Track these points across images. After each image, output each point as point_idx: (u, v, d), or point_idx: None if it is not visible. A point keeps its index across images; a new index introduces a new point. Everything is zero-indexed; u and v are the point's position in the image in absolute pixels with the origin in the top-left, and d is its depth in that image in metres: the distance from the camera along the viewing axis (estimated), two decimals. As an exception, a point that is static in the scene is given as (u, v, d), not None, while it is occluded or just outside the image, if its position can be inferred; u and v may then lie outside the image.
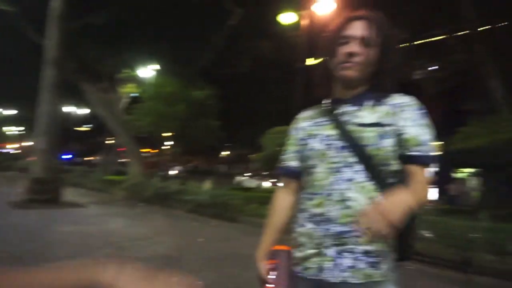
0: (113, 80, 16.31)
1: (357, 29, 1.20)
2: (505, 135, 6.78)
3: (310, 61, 12.18)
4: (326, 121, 1.27)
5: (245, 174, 22.59)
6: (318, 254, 1.17)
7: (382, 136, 1.16)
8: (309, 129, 1.31)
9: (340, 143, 1.19)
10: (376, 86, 1.24)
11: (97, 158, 32.77)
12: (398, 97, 1.23)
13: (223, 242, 6.38)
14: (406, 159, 1.17)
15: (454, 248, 5.20)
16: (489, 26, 10.00)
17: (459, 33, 13.91)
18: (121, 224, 7.45)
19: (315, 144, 1.25)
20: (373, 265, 1.12)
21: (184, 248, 5.74)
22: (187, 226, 8.04)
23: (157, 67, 17.06)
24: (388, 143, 1.16)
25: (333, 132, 1.22)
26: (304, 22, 11.97)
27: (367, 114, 1.21)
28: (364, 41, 1.18)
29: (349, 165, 1.16)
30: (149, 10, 11.78)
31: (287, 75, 20.61)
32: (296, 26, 13.68)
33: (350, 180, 1.15)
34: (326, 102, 1.33)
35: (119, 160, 26.18)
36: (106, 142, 25.38)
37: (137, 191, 11.90)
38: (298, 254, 1.24)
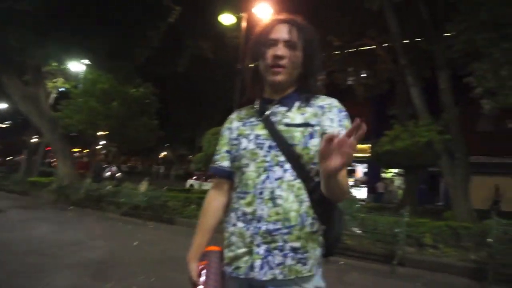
0: (40, 73, 15.03)
1: (282, 32, 1.26)
2: (424, 138, 7.52)
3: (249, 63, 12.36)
4: (257, 121, 1.30)
5: (194, 177, 22.11)
6: (249, 253, 1.18)
7: (309, 136, 1.21)
8: (241, 129, 1.33)
9: (269, 143, 1.23)
10: (302, 88, 1.30)
11: (20, 158, 29.96)
12: (323, 99, 1.30)
13: (160, 245, 6.24)
14: None
15: (380, 242, 5.66)
16: (408, 40, 11.02)
17: (386, 45, 15.18)
18: (49, 230, 6.92)
19: (246, 144, 1.27)
20: (301, 261, 1.16)
21: (119, 252, 5.51)
22: (122, 229, 7.72)
23: (89, 61, 16.12)
24: (315, 143, 1.20)
25: (263, 132, 1.26)
26: (244, 24, 12.13)
27: (295, 114, 1.26)
28: (288, 44, 1.24)
29: (278, 164, 1.20)
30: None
31: (228, 75, 20.75)
32: (236, 27, 13.83)
33: (279, 178, 1.18)
34: (256, 102, 1.37)
35: (46, 160, 24.22)
36: (31, 140, 23.33)
37: (67, 194, 11.14)
38: (229, 253, 1.25)
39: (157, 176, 32.52)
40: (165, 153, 41.62)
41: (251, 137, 1.28)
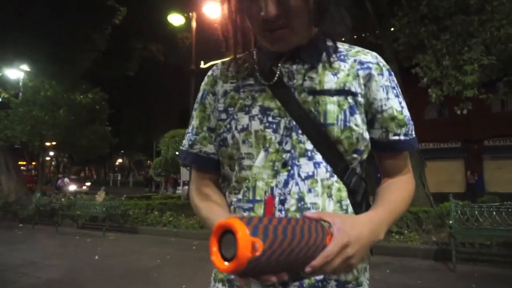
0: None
1: None
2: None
3: (202, 64, 12.17)
4: (260, 85, 0.82)
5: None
6: None
7: (351, 110, 0.78)
8: (233, 96, 0.84)
9: (286, 122, 0.78)
10: (324, 31, 0.81)
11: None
12: (362, 51, 0.84)
13: (123, 257, 5.93)
14: (387, 146, 0.83)
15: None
16: (356, 36, 11.44)
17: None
18: (-5, 252, 6.35)
19: (247, 122, 0.80)
20: None
21: (78, 269, 5.16)
22: (80, 244, 7.26)
23: (28, 67, 15.07)
24: (359, 121, 0.78)
25: (273, 104, 0.79)
26: (194, 24, 11.91)
27: (324, 75, 0.79)
28: None
29: (305, 155, 0.76)
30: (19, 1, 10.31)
31: (180, 77, 20.35)
32: (186, 27, 13.55)
33: (309, 177, 0.76)
34: (252, 54, 0.87)
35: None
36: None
37: (14, 211, 10.33)
38: None
39: (114, 184, 31.28)
40: (120, 160, 40.12)
41: (255, 110, 0.80)
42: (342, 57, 0.82)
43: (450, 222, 4.74)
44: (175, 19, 12.45)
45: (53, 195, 11.95)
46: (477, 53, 6.57)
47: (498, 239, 4.92)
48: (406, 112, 0.83)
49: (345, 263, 0.62)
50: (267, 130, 0.78)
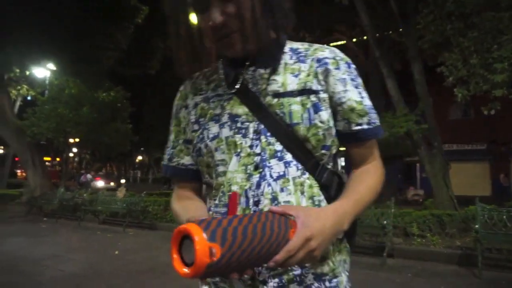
0: (2, 81, 14.30)
1: None
2: (402, 129, 7.62)
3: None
4: (227, 94, 0.85)
5: None
6: None
7: (314, 108, 0.80)
8: (203, 107, 0.87)
9: (255, 126, 0.81)
10: (277, 33, 0.85)
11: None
12: (320, 48, 0.87)
13: (143, 252, 6.01)
14: (352, 137, 0.85)
15: (368, 235, 5.67)
16: (379, 34, 11.21)
17: (355, 40, 15.41)
18: (21, 244, 6.53)
19: (218, 129, 0.83)
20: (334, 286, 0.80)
21: (99, 263, 5.25)
22: (101, 239, 7.40)
23: (54, 66, 15.49)
24: (324, 117, 0.81)
25: (241, 109, 0.82)
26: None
27: (285, 77, 0.83)
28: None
29: (275, 156, 0.79)
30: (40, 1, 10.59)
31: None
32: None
33: (281, 177, 0.78)
34: (216, 64, 0.90)
35: (16, 171, 23.26)
36: (-3, 151, 22.28)
37: (39, 205, 10.64)
38: None
39: (134, 181, 31.83)
40: (140, 157, 40.81)
41: (224, 118, 0.83)
42: (301, 58, 0.85)
43: (476, 226, 4.56)
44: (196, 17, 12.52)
45: (76, 191, 12.24)
46: (508, 51, 6.32)
47: (527, 245, 4.72)
48: (366, 102, 0.85)
49: (308, 256, 0.64)
50: (236, 135, 0.81)
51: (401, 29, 9.62)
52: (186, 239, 0.56)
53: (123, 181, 26.66)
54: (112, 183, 23.51)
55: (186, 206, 0.88)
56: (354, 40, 15.55)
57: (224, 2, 0.76)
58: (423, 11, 8.02)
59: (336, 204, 0.76)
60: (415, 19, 8.54)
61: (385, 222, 5.14)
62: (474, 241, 4.51)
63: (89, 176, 22.02)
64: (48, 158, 28.06)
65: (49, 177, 15.64)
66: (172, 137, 0.95)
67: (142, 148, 32.00)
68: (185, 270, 0.55)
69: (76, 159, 33.44)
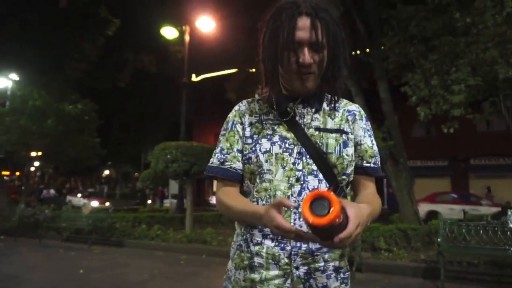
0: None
1: (305, 30, 1.00)
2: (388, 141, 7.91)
3: (194, 77, 12.20)
4: (278, 120, 1.11)
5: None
6: (284, 276, 1.02)
7: (343, 144, 1.08)
8: (257, 126, 1.12)
9: (298, 148, 1.06)
10: (327, 87, 1.13)
11: None
12: (348, 103, 1.18)
13: (109, 271, 5.79)
14: (362, 170, 1.13)
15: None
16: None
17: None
18: (-25, 265, 6.13)
19: (269, 146, 1.07)
20: (344, 281, 1.07)
21: (61, 283, 5.02)
22: (64, 257, 7.07)
23: (17, 76, 14.88)
24: (349, 152, 1.08)
25: (289, 134, 1.08)
26: (187, 37, 11.97)
27: (326, 118, 1.11)
28: (315, 46, 1.01)
29: (312, 173, 1.04)
30: (9, 6, 10.20)
31: (172, 90, 20.32)
32: (179, 40, 13.61)
33: (314, 189, 1.02)
34: (271, 97, 1.14)
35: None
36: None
37: (-5, 222, 10.04)
38: (251, 275, 1.04)
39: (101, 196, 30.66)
40: (107, 172, 39.53)
41: (275, 138, 1.07)
42: (336, 107, 1.15)
43: (439, 240, 4.76)
44: (169, 32, 12.51)
45: (37, 207, 11.66)
46: (464, 74, 6.73)
47: (485, 258, 4.96)
48: (375, 148, 1.16)
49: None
50: (284, 153, 1.06)
51: (367, 50, 10.04)
52: (318, 200, 0.76)
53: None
54: (107, 203, 19.62)
55: (238, 200, 1.08)
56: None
57: (314, 50, 1.01)
58: (388, 33, 8.43)
59: (363, 205, 0.92)
60: (380, 41, 8.96)
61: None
62: (437, 254, 4.69)
63: (52, 191, 21.06)
64: (7, 172, 26.65)
65: (8, 192, 14.85)
66: (226, 145, 1.15)
67: (109, 162, 31.04)
68: (316, 219, 0.73)
69: (37, 173, 31.93)
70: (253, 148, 1.09)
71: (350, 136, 1.11)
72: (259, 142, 1.08)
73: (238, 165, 1.12)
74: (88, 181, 39.58)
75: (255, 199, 1.07)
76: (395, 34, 8.36)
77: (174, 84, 16.91)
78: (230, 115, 1.19)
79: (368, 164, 1.13)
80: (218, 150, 1.16)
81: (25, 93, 15.31)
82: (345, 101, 1.18)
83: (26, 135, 14.82)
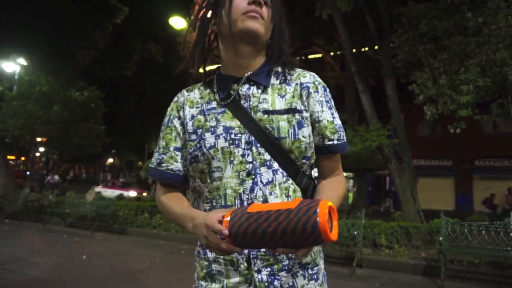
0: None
1: None
2: (375, 143, 7.87)
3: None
4: (221, 107, 0.98)
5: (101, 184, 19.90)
6: (246, 282, 0.93)
7: (298, 125, 0.95)
8: (199, 119, 0.99)
9: (246, 137, 0.93)
10: (273, 59, 1.00)
11: None
12: (301, 73, 1.02)
13: (111, 258, 5.87)
14: (324, 150, 1.01)
15: (339, 245, 5.79)
16: (355, 50, 11.59)
17: (332, 53, 15.81)
18: (-20, 247, 6.23)
19: (214, 140, 0.94)
20: (313, 277, 0.96)
21: (65, 268, 5.09)
22: (68, 242, 7.16)
23: (25, 61, 14.91)
24: (306, 133, 0.95)
25: (234, 123, 0.95)
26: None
27: (274, 97, 0.97)
28: None
29: (265, 164, 0.92)
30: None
31: (178, 80, 20.31)
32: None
33: (270, 182, 0.92)
34: (213, 80, 1.04)
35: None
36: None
37: (1, 206, 10.17)
38: (214, 285, 0.95)
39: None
40: (111, 160, 39.75)
41: (219, 130, 0.94)
42: (287, 81, 1.01)
43: (440, 238, 4.77)
44: (177, 22, 12.47)
45: (41, 192, 11.78)
46: (473, 74, 6.68)
47: (486, 258, 4.97)
48: (337, 121, 1.02)
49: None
50: (231, 146, 0.93)
51: (376, 47, 9.97)
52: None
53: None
54: (145, 194, 19.39)
55: (175, 200, 1.01)
56: (332, 53, 15.96)
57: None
58: (398, 31, 8.36)
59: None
60: (389, 38, 8.89)
61: (355, 232, 5.27)
62: (438, 253, 4.70)
63: (56, 177, 21.22)
64: (13, 157, 26.89)
65: (13, 176, 14.99)
66: (163, 143, 1.03)
67: (113, 151, 31.21)
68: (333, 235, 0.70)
69: (42, 159, 32.18)
70: (198, 145, 0.96)
71: (305, 114, 0.97)
72: (203, 137, 0.95)
73: (176, 165, 1.01)
74: (92, 169, 39.86)
75: (208, 201, 0.97)
76: (405, 32, 8.28)
77: (180, 75, 16.91)
78: (169, 108, 1.08)
79: (330, 142, 0.99)
80: (156, 148, 1.06)
81: (32, 78, 15.37)
82: (298, 71, 1.03)
83: (32, 120, 14.90)
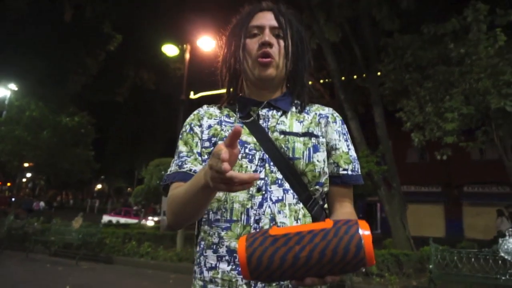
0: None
1: (267, 18, 1.02)
2: (364, 169, 7.93)
3: (192, 95, 12.32)
4: (238, 123, 1.00)
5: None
6: None
7: (313, 148, 0.95)
8: (216, 129, 1.00)
9: (260, 154, 0.93)
10: (294, 90, 1.06)
11: None
12: (321, 107, 1.07)
13: (97, 288, 5.69)
14: (338, 180, 0.99)
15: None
16: (344, 78, 11.88)
17: (322, 81, 16.18)
18: (-41, 277, 5.99)
19: None
20: None
21: (47, 299, 4.91)
22: (51, 272, 6.93)
23: (16, 86, 14.94)
24: (320, 157, 0.95)
25: (250, 139, 0.95)
26: (187, 56, 12.14)
27: (292, 121, 1.00)
28: (276, 31, 1.00)
29: (276, 183, 0.91)
30: (10, 20, 10.34)
31: (169, 107, 20.43)
32: (179, 58, 13.80)
33: (279, 201, 0.90)
34: (235, 101, 1.08)
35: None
36: None
37: (-18, 234, 9.83)
38: None
39: (91, 210, 30.30)
40: (100, 186, 39.16)
41: None
42: (306, 111, 1.04)
43: (430, 266, 4.75)
44: (169, 49, 12.68)
45: (26, 219, 11.47)
46: (457, 102, 6.87)
47: (477, 286, 4.94)
48: (352, 153, 1.02)
49: None
50: (243, 159, 0.93)
51: (364, 75, 10.24)
52: None
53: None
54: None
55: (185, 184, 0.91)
56: (321, 81, 16.32)
57: (276, 36, 1.00)
58: (385, 60, 8.63)
59: None
60: (376, 67, 9.16)
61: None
62: (429, 281, 4.67)
63: (42, 203, 20.75)
64: (-2, 183, 26.35)
65: (-2, 203, 14.65)
66: (186, 148, 1.01)
67: (102, 176, 30.82)
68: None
69: (29, 184, 31.59)
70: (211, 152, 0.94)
71: (321, 139, 0.99)
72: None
73: (199, 168, 0.97)
74: (80, 195, 39.16)
75: (214, 209, 0.93)
76: (391, 61, 8.55)
77: (172, 101, 17.02)
78: (188, 119, 1.09)
79: (345, 172, 0.98)
80: (175, 157, 1.02)
81: (22, 103, 15.36)
82: (317, 105, 1.08)
83: (20, 145, 14.75)
